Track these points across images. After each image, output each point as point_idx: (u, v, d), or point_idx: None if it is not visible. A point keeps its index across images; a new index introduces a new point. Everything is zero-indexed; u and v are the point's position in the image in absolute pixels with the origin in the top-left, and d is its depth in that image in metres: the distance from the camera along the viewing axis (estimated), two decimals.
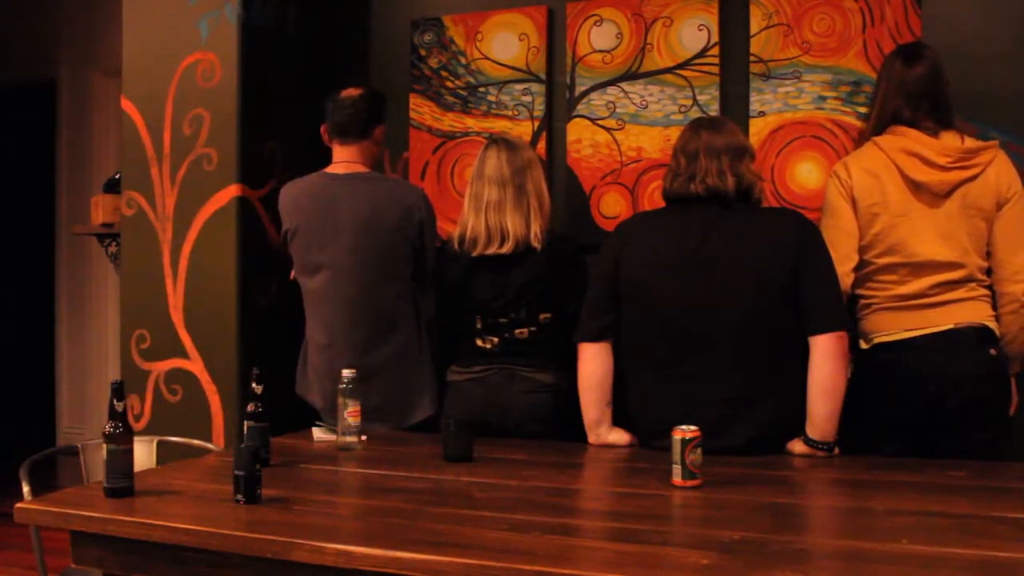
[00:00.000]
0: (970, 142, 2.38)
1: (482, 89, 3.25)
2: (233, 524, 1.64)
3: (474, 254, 2.63)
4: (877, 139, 2.44)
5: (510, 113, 3.21)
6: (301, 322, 2.84)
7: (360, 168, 2.79)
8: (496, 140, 2.72)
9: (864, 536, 1.55)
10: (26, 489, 2.21)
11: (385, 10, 3.44)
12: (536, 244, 2.61)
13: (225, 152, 2.98)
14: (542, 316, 2.65)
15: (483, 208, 2.63)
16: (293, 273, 2.86)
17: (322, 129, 2.83)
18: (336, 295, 2.74)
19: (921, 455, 2.29)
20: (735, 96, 2.97)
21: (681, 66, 3.01)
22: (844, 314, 2.29)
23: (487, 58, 3.25)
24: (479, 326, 2.68)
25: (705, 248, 2.27)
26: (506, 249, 2.61)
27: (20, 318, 5.99)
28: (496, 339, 2.66)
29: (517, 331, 2.65)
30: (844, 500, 1.95)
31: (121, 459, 1.81)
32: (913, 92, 2.40)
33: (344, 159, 2.79)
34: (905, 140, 2.38)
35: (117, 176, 4.24)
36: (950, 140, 2.38)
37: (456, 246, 2.69)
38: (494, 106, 3.23)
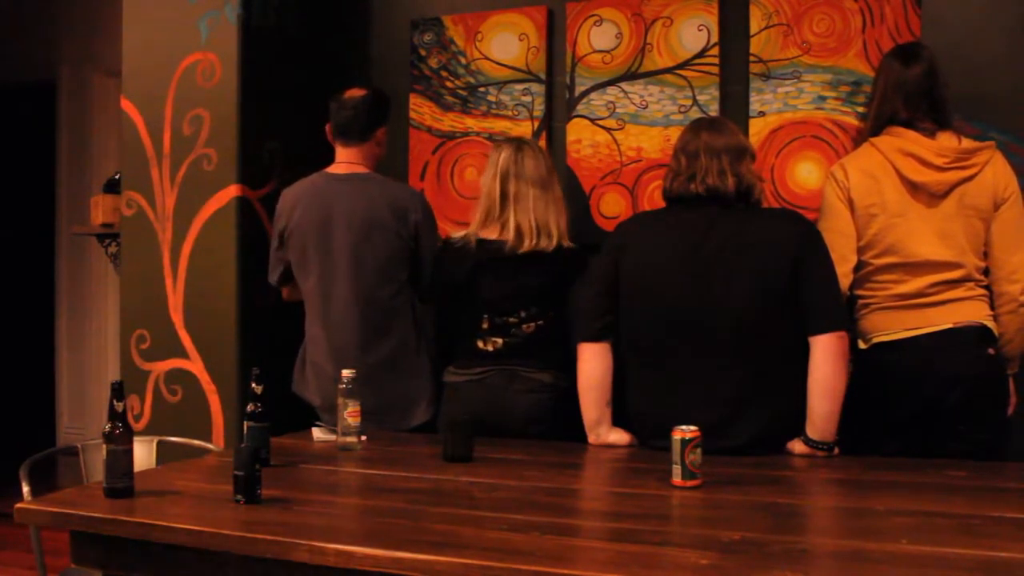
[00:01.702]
0: (967, 142, 2.38)
1: (482, 89, 3.25)
2: (233, 524, 1.64)
3: (520, 251, 2.62)
4: (874, 140, 2.44)
5: (510, 113, 3.21)
6: (301, 322, 2.84)
7: (360, 169, 2.79)
8: (526, 142, 2.75)
9: (864, 536, 1.55)
10: (26, 489, 2.21)
11: (385, 10, 3.44)
12: (565, 243, 2.65)
13: (225, 152, 2.98)
14: (546, 317, 2.65)
15: (530, 207, 2.64)
16: (272, 277, 2.87)
17: (327, 128, 2.84)
18: (332, 295, 2.74)
19: (921, 455, 2.29)
20: (735, 96, 2.97)
21: (681, 66, 3.01)
22: (844, 314, 2.29)
23: (487, 58, 3.25)
24: (485, 326, 2.67)
25: (705, 248, 2.27)
26: (545, 246, 2.62)
27: (20, 318, 5.98)
28: (499, 340, 2.65)
29: (523, 328, 2.64)
30: (844, 500, 1.95)
31: (121, 459, 1.81)
32: (911, 93, 2.41)
33: (345, 160, 2.80)
34: (902, 141, 2.38)
35: (117, 176, 4.24)
36: (947, 141, 2.38)
37: (472, 244, 2.67)
38: (494, 106, 3.23)
